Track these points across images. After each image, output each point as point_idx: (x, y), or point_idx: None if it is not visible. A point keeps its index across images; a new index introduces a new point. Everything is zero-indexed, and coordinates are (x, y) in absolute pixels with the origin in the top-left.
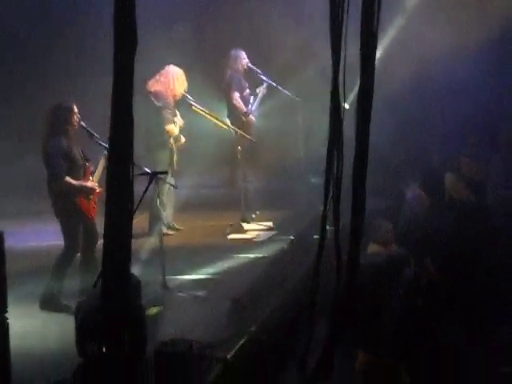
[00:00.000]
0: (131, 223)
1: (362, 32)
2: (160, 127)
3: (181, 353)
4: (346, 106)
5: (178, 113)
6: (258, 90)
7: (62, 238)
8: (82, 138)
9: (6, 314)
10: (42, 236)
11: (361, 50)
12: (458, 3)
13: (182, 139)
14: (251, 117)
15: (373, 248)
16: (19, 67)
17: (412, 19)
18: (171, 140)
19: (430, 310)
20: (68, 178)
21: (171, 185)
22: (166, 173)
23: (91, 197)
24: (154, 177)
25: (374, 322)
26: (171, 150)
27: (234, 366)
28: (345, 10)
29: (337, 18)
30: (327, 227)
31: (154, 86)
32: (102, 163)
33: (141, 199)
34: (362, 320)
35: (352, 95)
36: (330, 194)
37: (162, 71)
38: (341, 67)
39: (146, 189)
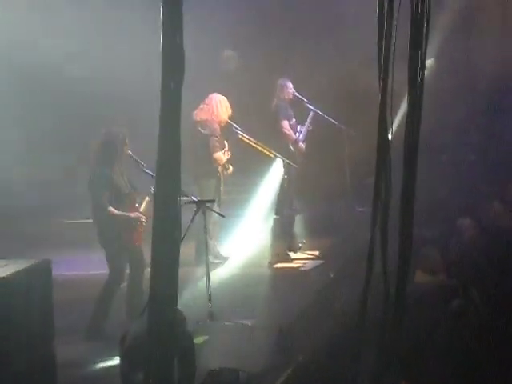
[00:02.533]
0: (178, 252)
1: (410, 58)
2: (207, 155)
3: (227, 382)
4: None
5: (226, 144)
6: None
7: (107, 267)
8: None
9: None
10: (88, 265)
11: (409, 77)
12: None
13: (230, 168)
14: (301, 144)
15: (420, 277)
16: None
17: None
18: (219, 168)
19: (477, 343)
20: (111, 209)
21: (219, 214)
22: (213, 201)
23: (136, 226)
24: (202, 205)
25: (420, 352)
26: (218, 179)
27: None
28: (392, 37)
29: (384, 45)
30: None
31: (199, 114)
32: (149, 194)
33: (188, 227)
34: (408, 350)
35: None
36: (378, 223)
37: (206, 100)
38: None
39: (194, 217)
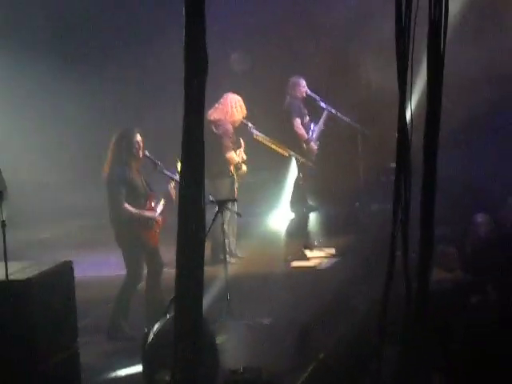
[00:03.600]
0: (203, 251)
1: (428, 60)
2: (220, 155)
3: (250, 381)
4: None
5: (242, 144)
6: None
7: (125, 268)
8: (147, 167)
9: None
10: (106, 266)
11: (428, 75)
12: None
13: (244, 168)
14: (313, 144)
15: (438, 274)
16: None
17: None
18: (231, 168)
19: (497, 339)
20: (127, 205)
21: (236, 213)
22: (235, 201)
23: (152, 226)
24: (223, 205)
25: (442, 348)
26: (232, 178)
27: None
28: (411, 40)
29: (403, 47)
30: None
31: (213, 114)
32: (165, 194)
33: (210, 227)
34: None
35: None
36: (399, 220)
37: (221, 99)
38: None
39: (215, 216)
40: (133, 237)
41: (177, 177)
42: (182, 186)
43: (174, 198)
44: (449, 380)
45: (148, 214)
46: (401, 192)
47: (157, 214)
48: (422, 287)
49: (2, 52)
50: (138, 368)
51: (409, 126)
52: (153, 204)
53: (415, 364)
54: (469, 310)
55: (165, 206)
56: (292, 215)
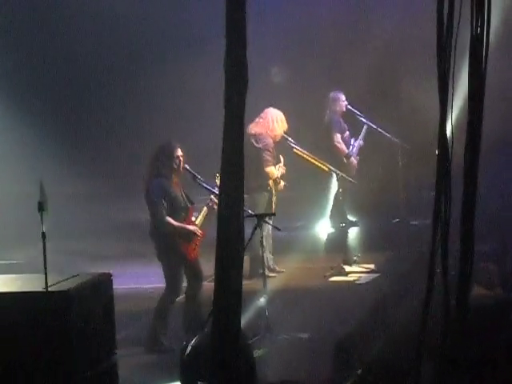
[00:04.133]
0: (242, 265)
1: (469, 74)
2: (260, 169)
3: None
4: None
5: (282, 159)
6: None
7: (164, 281)
8: (186, 180)
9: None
10: (145, 278)
11: (469, 89)
12: None
13: (282, 183)
14: (353, 159)
15: (478, 291)
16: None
17: None
18: (270, 182)
19: None
20: (169, 219)
21: (275, 227)
22: (273, 214)
23: (193, 239)
24: (262, 219)
25: (479, 367)
26: (270, 193)
27: None
28: (452, 50)
29: (444, 64)
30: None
31: (253, 128)
32: (205, 208)
33: (249, 240)
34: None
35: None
36: (438, 237)
37: (262, 114)
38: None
39: (254, 231)
40: (174, 250)
41: (216, 190)
42: (222, 199)
43: (215, 208)
44: None
45: (190, 227)
46: (441, 208)
47: (197, 226)
48: (461, 304)
49: None
50: (176, 382)
51: (449, 142)
52: (193, 218)
53: (452, 381)
54: (509, 327)
55: (205, 217)
56: (331, 230)
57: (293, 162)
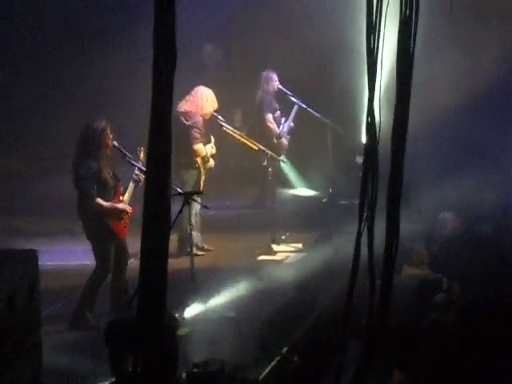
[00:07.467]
0: (168, 243)
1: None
2: (188, 147)
3: (213, 373)
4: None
5: (212, 139)
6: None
7: (94, 259)
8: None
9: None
10: (74, 255)
11: (397, 75)
12: None
13: (211, 162)
14: (283, 139)
15: (408, 271)
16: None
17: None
18: (198, 160)
19: (460, 336)
20: (99, 200)
21: (204, 206)
22: (201, 193)
23: (123, 218)
24: (189, 197)
25: (407, 342)
26: (198, 171)
27: None
28: (380, 35)
29: (373, 42)
30: None
31: (183, 106)
32: (132, 184)
33: (175, 219)
34: (396, 340)
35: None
36: (365, 216)
37: (192, 92)
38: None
39: (181, 209)
40: (104, 229)
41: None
42: (148, 176)
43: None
44: (410, 376)
45: (119, 205)
46: (367, 188)
47: (126, 205)
48: (385, 282)
49: None
50: (100, 360)
51: (377, 123)
52: (121, 197)
53: (376, 359)
54: (433, 307)
55: (133, 192)
56: (260, 209)
57: (222, 142)
